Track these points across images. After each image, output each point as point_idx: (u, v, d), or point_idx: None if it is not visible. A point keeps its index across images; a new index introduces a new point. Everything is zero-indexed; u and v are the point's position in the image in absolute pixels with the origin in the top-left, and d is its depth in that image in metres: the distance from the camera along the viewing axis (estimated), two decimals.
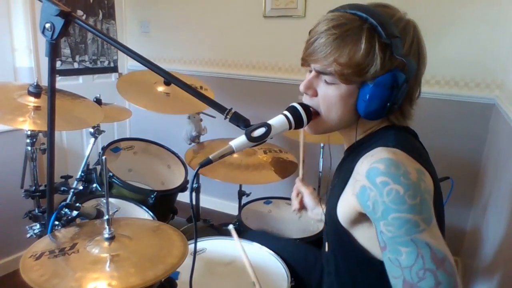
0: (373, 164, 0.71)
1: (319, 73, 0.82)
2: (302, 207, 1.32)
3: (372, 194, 0.70)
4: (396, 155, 0.71)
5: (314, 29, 0.83)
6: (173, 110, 2.04)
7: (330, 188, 0.98)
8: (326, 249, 1.00)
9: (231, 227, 1.37)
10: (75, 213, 1.12)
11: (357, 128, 0.86)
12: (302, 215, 1.31)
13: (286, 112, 0.85)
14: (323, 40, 0.79)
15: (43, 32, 0.89)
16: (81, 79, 2.77)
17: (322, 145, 2.07)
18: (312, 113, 0.86)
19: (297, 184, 1.35)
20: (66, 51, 2.64)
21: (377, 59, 0.76)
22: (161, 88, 1.85)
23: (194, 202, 2.09)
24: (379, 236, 0.70)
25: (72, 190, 1.60)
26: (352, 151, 0.89)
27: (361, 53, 0.76)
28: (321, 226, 1.68)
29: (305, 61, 0.85)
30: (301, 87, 0.86)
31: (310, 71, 0.85)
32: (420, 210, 0.67)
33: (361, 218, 0.78)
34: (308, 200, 1.29)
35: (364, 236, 0.82)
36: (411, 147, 0.77)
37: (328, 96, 0.82)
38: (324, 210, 1.25)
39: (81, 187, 1.70)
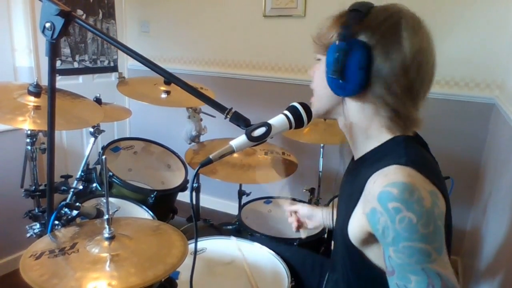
0: (386, 188, 0.69)
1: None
2: (301, 223, 1.30)
3: (383, 219, 0.68)
4: (411, 177, 0.69)
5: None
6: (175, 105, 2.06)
7: (339, 199, 0.96)
8: (334, 268, 1.00)
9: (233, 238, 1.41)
10: (75, 212, 1.12)
11: (343, 110, 0.85)
12: (306, 233, 1.32)
13: (287, 112, 0.86)
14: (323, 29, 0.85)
15: (43, 32, 0.89)
16: (81, 78, 2.77)
17: (322, 145, 2.07)
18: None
19: (287, 209, 1.33)
20: (66, 50, 2.64)
21: (337, 27, 0.80)
22: (161, 88, 1.86)
23: (194, 202, 2.09)
24: (387, 260, 0.70)
25: (72, 189, 1.60)
26: (362, 163, 0.86)
27: (330, 22, 0.82)
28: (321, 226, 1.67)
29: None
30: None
31: None
32: (432, 239, 0.66)
33: (372, 237, 0.76)
34: (303, 212, 1.28)
35: (376, 255, 0.80)
36: (423, 163, 0.75)
37: (315, 72, 0.88)
38: (325, 213, 1.24)
39: (81, 187, 1.70)
